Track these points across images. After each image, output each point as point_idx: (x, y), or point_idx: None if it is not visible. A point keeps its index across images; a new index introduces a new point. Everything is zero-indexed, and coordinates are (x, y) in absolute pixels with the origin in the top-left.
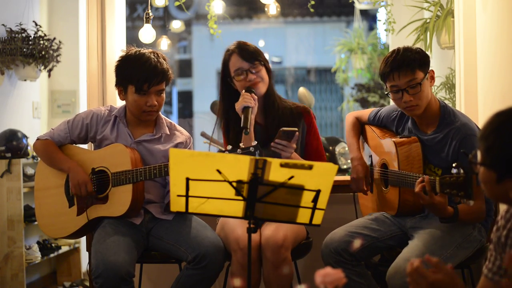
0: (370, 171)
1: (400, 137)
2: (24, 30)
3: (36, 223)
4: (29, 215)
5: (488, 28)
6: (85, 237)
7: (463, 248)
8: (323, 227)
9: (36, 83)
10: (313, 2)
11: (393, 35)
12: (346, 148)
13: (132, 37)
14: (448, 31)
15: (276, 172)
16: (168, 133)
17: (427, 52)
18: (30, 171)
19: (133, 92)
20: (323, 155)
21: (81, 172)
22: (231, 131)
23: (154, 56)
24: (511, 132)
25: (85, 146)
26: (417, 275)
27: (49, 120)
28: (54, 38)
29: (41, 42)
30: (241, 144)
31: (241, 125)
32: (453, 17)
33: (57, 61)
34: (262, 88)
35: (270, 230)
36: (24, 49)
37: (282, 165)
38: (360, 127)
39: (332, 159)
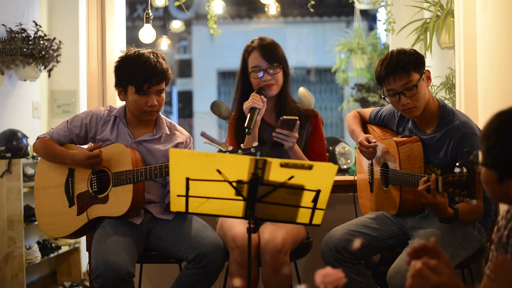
0: (371, 170)
1: (401, 137)
2: (24, 30)
3: (36, 223)
4: (29, 215)
5: (488, 28)
6: (85, 237)
7: (463, 248)
8: (323, 227)
9: (36, 83)
10: (313, 2)
11: (393, 35)
12: (346, 148)
13: (132, 37)
14: (448, 31)
15: (276, 172)
16: (168, 133)
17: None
18: (30, 171)
19: (133, 93)
20: (325, 160)
21: (80, 154)
22: (241, 124)
23: (153, 56)
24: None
25: (85, 146)
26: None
27: (49, 120)
28: (54, 38)
29: (41, 42)
30: (242, 145)
31: (245, 125)
32: (453, 17)
33: (57, 61)
34: (275, 90)
35: (269, 233)
36: (24, 49)
37: (282, 165)
38: (361, 119)
39: (332, 159)
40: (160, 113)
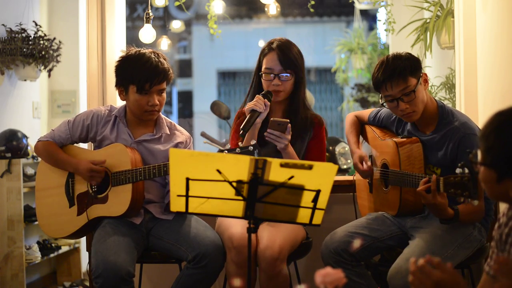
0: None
1: (401, 137)
2: (24, 30)
3: (36, 223)
4: (29, 215)
5: (488, 28)
6: (85, 237)
7: (464, 248)
8: (323, 227)
9: (36, 83)
10: (313, 2)
11: (393, 35)
12: (346, 148)
13: (132, 37)
14: (448, 31)
15: (276, 172)
16: (168, 133)
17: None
18: (30, 171)
19: (134, 92)
20: None
21: (82, 165)
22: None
23: (154, 55)
24: (511, 132)
25: (85, 146)
26: (421, 274)
27: (49, 120)
28: (54, 38)
29: (41, 42)
30: (240, 143)
31: (240, 127)
32: (453, 17)
33: (57, 61)
34: (281, 97)
35: (267, 239)
36: (24, 49)
37: (282, 165)
38: (359, 125)
39: (332, 159)
40: (160, 113)
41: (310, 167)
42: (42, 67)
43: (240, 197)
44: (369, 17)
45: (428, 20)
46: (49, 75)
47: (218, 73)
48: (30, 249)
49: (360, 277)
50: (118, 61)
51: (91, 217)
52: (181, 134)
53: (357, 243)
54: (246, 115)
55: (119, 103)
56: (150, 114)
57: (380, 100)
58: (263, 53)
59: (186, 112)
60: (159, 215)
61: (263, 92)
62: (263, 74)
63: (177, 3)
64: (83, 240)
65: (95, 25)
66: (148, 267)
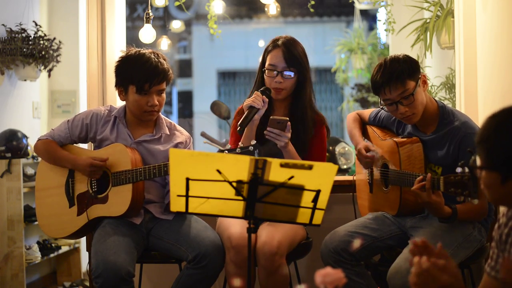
0: (370, 171)
1: (401, 137)
2: (24, 30)
3: (36, 223)
4: (29, 215)
5: (488, 28)
6: (85, 237)
7: (464, 248)
8: (323, 227)
9: (36, 83)
10: (313, 2)
11: (393, 35)
12: (346, 148)
13: (132, 37)
14: (448, 31)
15: (276, 172)
16: (168, 133)
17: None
18: (30, 171)
19: (134, 92)
20: None
21: (81, 161)
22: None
23: (154, 56)
24: (510, 131)
25: (85, 146)
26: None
27: (49, 120)
28: (54, 38)
29: (41, 42)
30: (240, 143)
31: (238, 123)
32: (453, 17)
33: (57, 61)
34: (282, 95)
35: (266, 236)
36: (24, 49)
37: (282, 165)
38: (361, 121)
39: (332, 159)
40: (160, 113)
41: (310, 167)
42: (42, 67)
43: (240, 197)
44: (369, 17)
45: (428, 20)
46: (49, 75)
47: (218, 73)
48: (30, 249)
49: (360, 277)
50: (118, 61)
51: (91, 217)
52: (181, 134)
53: (357, 243)
54: (245, 111)
55: (119, 103)
56: (149, 115)
57: (379, 103)
58: (268, 50)
59: (186, 112)
60: (159, 215)
61: (261, 89)
62: (266, 71)
63: (177, 3)
64: (83, 240)
65: (95, 25)
66: (148, 267)
